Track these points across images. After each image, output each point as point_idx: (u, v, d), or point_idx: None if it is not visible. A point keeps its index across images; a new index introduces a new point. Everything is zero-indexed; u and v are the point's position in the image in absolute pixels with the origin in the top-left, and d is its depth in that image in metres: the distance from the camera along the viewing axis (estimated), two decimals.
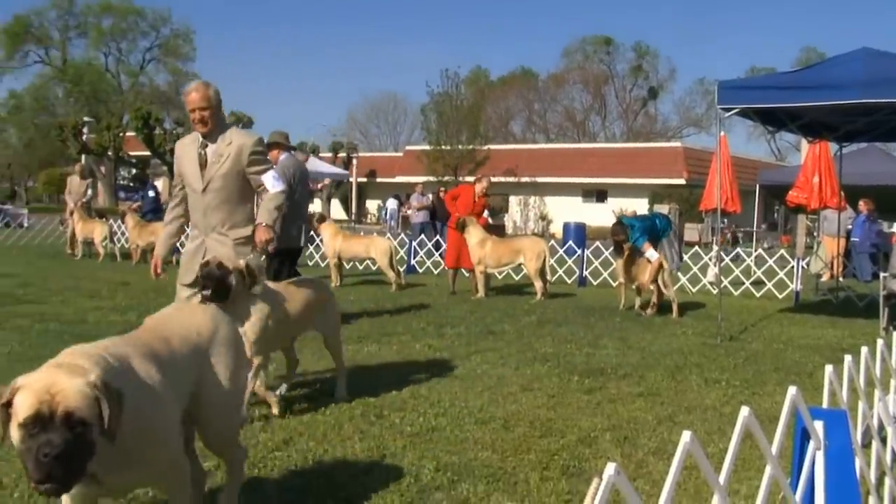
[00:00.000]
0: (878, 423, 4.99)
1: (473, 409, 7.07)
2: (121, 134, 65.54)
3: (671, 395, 7.87)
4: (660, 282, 13.79)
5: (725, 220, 32.08)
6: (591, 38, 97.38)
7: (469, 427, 6.56)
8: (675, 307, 13.87)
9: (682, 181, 53.59)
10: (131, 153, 69.12)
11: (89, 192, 23.97)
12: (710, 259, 19.03)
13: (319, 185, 19.63)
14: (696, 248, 21.12)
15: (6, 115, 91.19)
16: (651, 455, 6.02)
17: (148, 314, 11.42)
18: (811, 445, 3.40)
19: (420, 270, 21.09)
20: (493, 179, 18.29)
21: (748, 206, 28.53)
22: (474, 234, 16.06)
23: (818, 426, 3.40)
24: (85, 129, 68.53)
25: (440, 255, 21.50)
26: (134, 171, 68.28)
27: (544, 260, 15.76)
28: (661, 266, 13.80)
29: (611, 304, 14.93)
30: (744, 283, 18.16)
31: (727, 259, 18.35)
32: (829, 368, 4.11)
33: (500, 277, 17.77)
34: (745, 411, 2.94)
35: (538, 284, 15.63)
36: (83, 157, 62.75)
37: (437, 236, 24.29)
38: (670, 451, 6.02)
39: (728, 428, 6.68)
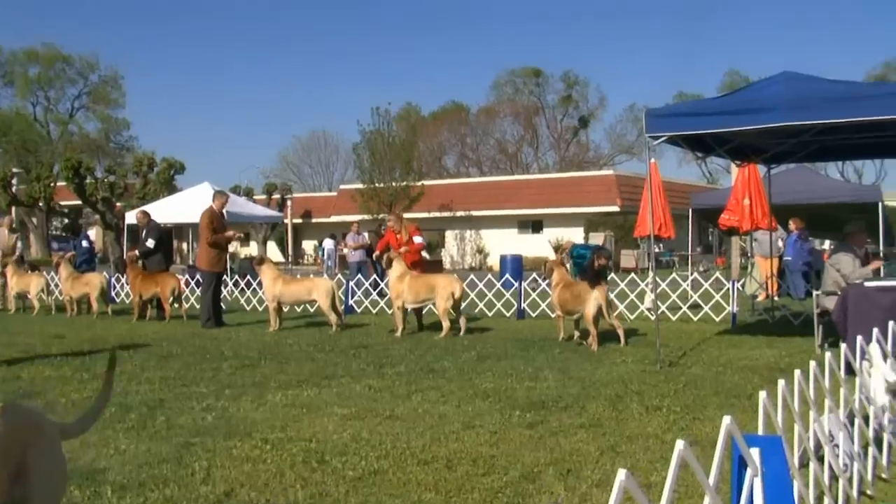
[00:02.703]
0: (815, 443, 5.03)
1: (416, 450, 7.03)
2: (51, 184, 64.83)
3: (613, 425, 7.89)
4: (603, 312, 13.75)
5: (660, 246, 32.40)
6: (519, 70, 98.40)
7: (412, 468, 6.52)
8: (621, 335, 13.86)
9: (616, 208, 54.10)
10: (63, 203, 68.45)
11: (19, 244, 23.66)
12: (646, 285, 19.16)
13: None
14: (633, 274, 21.18)
15: None
16: (595, 487, 6.00)
17: (84, 368, 11.31)
18: (749, 472, 3.42)
19: (358, 310, 21.03)
20: (428, 215, 18.34)
21: (682, 231, 28.81)
22: (396, 269, 16.15)
23: (754, 453, 3.43)
24: (14, 181, 67.68)
25: (378, 293, 21.47)
26: (66, 220, 67.60)
27: (459, 298, 15.77)
28: (605, 297, 13.80)
29: (550, 336, 14.98)
30: (681, 308, 18.32)
31: (663, 285, 18.47)
32: (762, 395, 4.16)
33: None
34: (680, 444, 2.95)
35: (445, 324, 15.54)
36: (13, 209, 61.98)
37: (375, 275, 24.25)
38: (612, 483, 6.03)
39: (670, 455, 6.66)
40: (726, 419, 3.31)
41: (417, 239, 17.17)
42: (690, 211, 28.57)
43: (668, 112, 12.80)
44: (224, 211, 18.87)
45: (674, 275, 20.17)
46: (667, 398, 9.13)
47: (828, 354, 5.36)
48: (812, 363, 5.23)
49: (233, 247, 21.66)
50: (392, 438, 7.44)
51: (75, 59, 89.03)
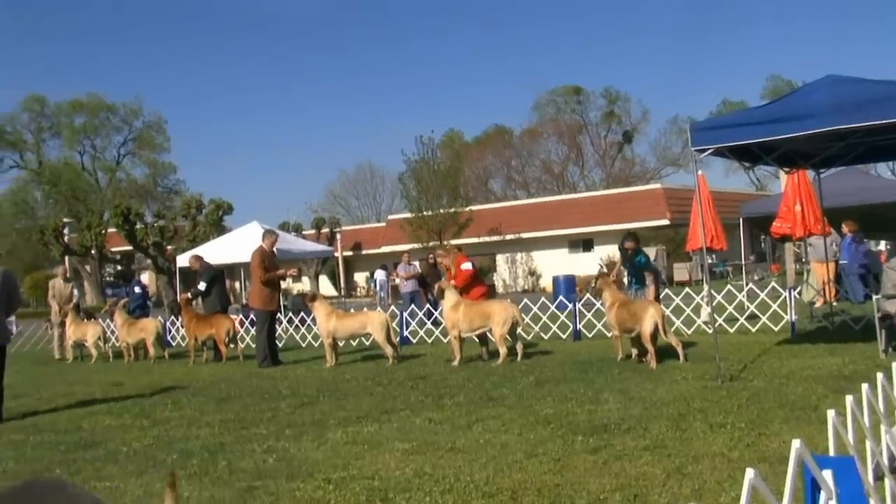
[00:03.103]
0: (888, 456, 4.92)
1: (479, 483, 6.96)
2: (102, 231, 65.64)
3: (677, 446, 7.77)
4: (660, 329, 13.60)
5: (713, 257, 32.14)
6: (560, 89, 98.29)
7: (476, 502, 6.45)
8: (680, 351, 13.70)
9: (665, 222, 53.80)
10: (114, 249, 69.15)
11: (75, 293, 23.88)
12: (701, 298, 18.96)
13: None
14: (687, 287, 20.99)
15: None
16: None
17: (143, 415, 11.37)
18: (822, 496, 3.33)
19: (413, 341, 20.99)
20: (478, 240, 18.28)
21: (734, 240, 28.54)
22: (449, 299, 16.10)
23: (827, 475, 3.34)
24: (66, 230, 68.63)
25: (432, 323, 21.41)
26: (118, 267, 68.20)
27: (514, 324, 15.65)
28: (661, 314, 13.65)
29: (608, 356, 14.85)
30: (738, 320, 18.11)
31: (719, 297, 18.27)
32: (830, 413, 4.05)
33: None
34: (750, 473, 2.87)
35: (502, 350, 15.41)
36: (66, 258, 62.71)
37: (429, 304, 24.20)
38: None
39: (738, 474, 6.58)
40: (796, 443, 3.22)
41: (465, 266, 17.09)
42: (741, 220, 28.30)
43: (712, 124, 12.70)
44: (274, 249, 18.91)
45: (728, 286, 19.96)
46: (730, 414, 8.99)
47: (895, 364, 5.25)
48: (879, 375, 5.11)
49: (285, 284, 21.68)
50: (455, 472, 7.37)
51: (119, 106, 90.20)
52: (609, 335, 15.72)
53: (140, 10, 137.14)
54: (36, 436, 10.75)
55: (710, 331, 14.74)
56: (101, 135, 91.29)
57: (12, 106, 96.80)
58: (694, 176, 15.37)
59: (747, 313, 18.59)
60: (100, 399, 13.95)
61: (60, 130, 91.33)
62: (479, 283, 17.61)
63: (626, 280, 16.87)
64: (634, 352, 14.31)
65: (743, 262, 30.51)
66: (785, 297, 17.77)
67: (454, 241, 50.93)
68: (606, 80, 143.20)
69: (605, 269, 17.51)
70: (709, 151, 12.17)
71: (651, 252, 44.31)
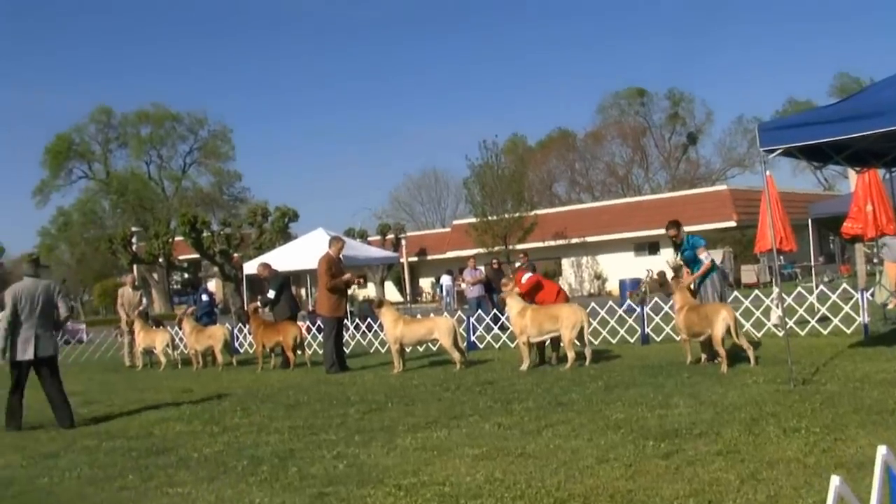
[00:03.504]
0: None
1: (551, 489, 6.91)
2: (169, 240, 66.37)
3: (751, 451, 7.65)
4: (732, 332, 13.43)
5: (782, 259, 31.70)
6: (623, 92, 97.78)
7: None
8: (751, 355, 13.52)
9: (732, 223, 53.30)
10: (181, 257, 69.91)
11: (144, 301, 24.13)
12: (772, 301, 18.71)
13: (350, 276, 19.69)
14: (756, 290, 20.71)
15: (56, 233, 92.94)
16: None
17: (213, 422, 11.47)
18: None
19: (481, 346, 20.95)
20: (543, 244, 18.22)
21: (803, 241, 28.20)
22: (513, 306, 16.07)
23: None
24: (134, 239, 69.51)
25: (499, 328, 21.35)
26: (185, 275, 69.02)
27: (582, 328, 15.55)
28: (733, 317, 13.47)
29: (677, 360, 14.71)
30: (809, 322, 17.85)
31: (789, 299, 18.02)
32: None
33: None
34: (835, 481, 2.80)
35: (570, 354, 15.34)
36: (134, 266, 63.50)
37: (494, 309, 24.15)
38: None
39: (815, 480, 6.48)
40: (882, 449, 3.13)
41: (524, 278, 17.10)
42: (809, 221, 27.97)
43: (781, 124, 12.52)
44: (341, 255, 18.97)
45: (799, 288, 19.67)
46: (804, 419, 8.84)
47: None
48: None
49: (351, 290, 21.75)
50: (526, 478, 7.32)
51: (184, 116, 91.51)
52: (678, 339, 15.56)
53: (205, 19, 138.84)
54: (108, 441, 10.88)
55: (781, 333, 14.54)
56: (167, 144, 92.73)
57: (80, 118, 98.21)
58: (762, 177, 15.17)
59: (818, 315, 18.30)
60: (170, 405, 14.10)
61: (127, 141, 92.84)
62: (550, 285, 17.52)
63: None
64: (703, 356, 14.17)
65: (812, 263, 30.10)
66: (857, 298, 17.48)
67: (520, 246, 50.90)
68: (670, 82, 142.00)
69: (655, 275, 17.22)
70: (778, 152, 12.01)
71: (717, 254, 43.95)
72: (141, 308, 23.71)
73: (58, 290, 13.21)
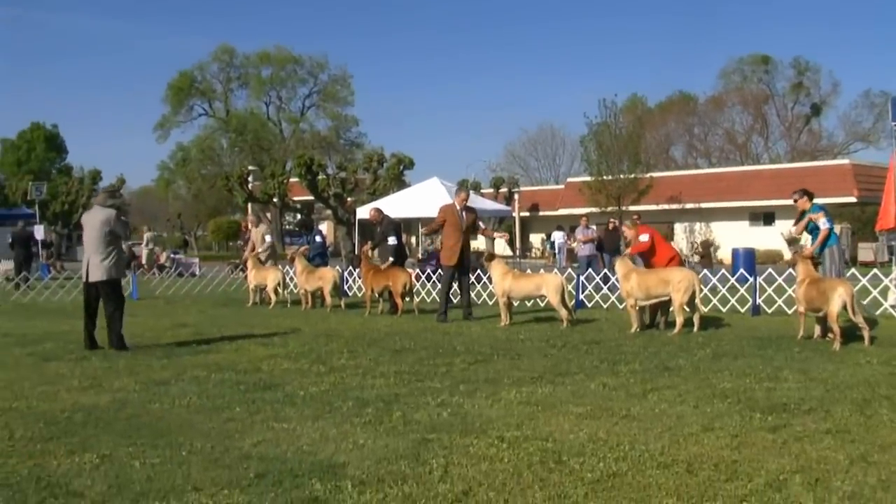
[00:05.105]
0: None
1: (654, 452, 6.87)
2: (285, 181, 67.13)
3: (861, 432, 7.51)
4: (848, 309, 13.11)
5: None
6: (748, 58, 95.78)
7: (651, 472, 6.37)
8: (866, 336, 13.17)
9: (852, 199, 52.13)
10: (295, 198, 70.68)
11: (267, 238, 24.34)
12: (890, 281, 18.27)
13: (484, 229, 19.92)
14: (875, 269, 20.18)
15: (175, 168, 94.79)
16: (847, 500, 5.70)
17: (320, 361, 11.62)
18: None
19: (589, 305, 20.85)
20: (657, 207, 17.97)
21: None
22: (620, 268, 16.01)
23: None
24: (250, 178, 70.51)
25: (608, 288, 21.22)
26: (299, 216, 69.87)
27: (693, 292, 15.31)
28: (851, 294, 13.15)
29: (788, 334, 14.44)
30: None
31: None
32: None
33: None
34: None
35: (680, 319, 15.14)
36: (249, 204, 64.44)
37: (605, 269, 23.99)
38: (867, 496, 5.75)
39: None
40: None
41: (643, 237, 16.82)
42: None
43: None
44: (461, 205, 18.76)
45: None
46: None
47: None
48: None
49: (500, 237, 21.82)
50: (630, 439, 7.30)
51: (305, 59, 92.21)
52: (790, 312, 15.27)
53: None
54: (217, 374, 11.10)
55: None
56: (287, 87, 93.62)
57: (204, 56, 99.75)
58: (887, 153, 14.82)
59: None
60: (278, 343, 14.31)
61: (248, 81, 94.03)
62: (665, 249, 17.24)
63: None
64: (817, 331, 13.90)
65: None
66: None
67: (633, 208, 50.41)
68: (796, 50, 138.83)
69: (792, 243, 16.84)
70: None
71: (835, 229, 42.98)
72: (264, 246, 23.96)
73: (116, 218, 13.87)
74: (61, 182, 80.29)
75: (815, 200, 15.71)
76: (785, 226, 20.51)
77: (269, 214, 73.10)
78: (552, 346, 13.44)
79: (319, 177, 61.73)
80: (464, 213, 18.16)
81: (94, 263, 13.60)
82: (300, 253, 22.46)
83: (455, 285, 18.56)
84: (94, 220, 13.72)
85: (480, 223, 19.70)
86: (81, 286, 14.31)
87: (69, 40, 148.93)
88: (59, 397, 9.64)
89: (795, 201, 15.66)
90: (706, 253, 25.06)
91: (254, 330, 16.36)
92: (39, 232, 40.51)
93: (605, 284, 21.86)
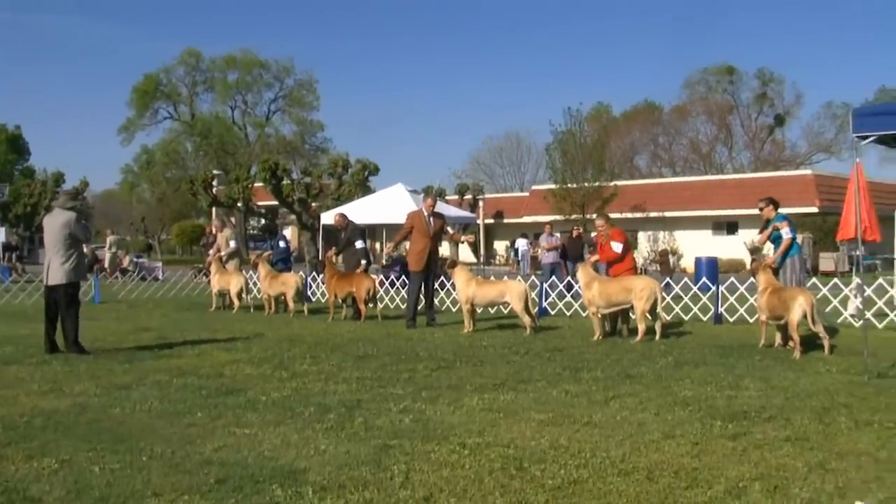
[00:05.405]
0: None
1: (615, 459, 6.90)
2: (249, 185, 66.91)
3: (820, 440, 7.57)
4: (808, 319, 13.19)
5: (863, 249, 31.18)
6: (712, 69, 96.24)
7: (612, 479, 6.39)
8: (826, 345, 13.27)
9: (814, 209, 52.51)
10: (260, 203, 70.47)
11: (231, 244, 24.27)
12: (850, 291, 18.41)
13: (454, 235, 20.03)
14: (835, 278, 20.33)
15: (139, 171, 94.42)
16: None
17: (282, 367, 11.59)
18: None
19: (552, 312, 20.89)
20: (621, 216, 17.97)
21: (887, 232, 27.70)
22: (582, 276, 16.01)
23: None
24: (214, 182, 70.21)
25: (572, 296, 21.26)
26: (263, 220, 69.72)
27: (655, 300, 15.33)
28: (811, 303, 13.23)
29: (749, 342, 14.55)
30: (888, 315, 17.55)
31: (869, 290, 17.69)
32: None
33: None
34: None
35: (641, 327, 15.18)
36: (214, 209, 64.21)
37: (569, 277, 24.05)
38: (824, 502, 5.80)
39: (886, 475, 6.42)
40: None
41: (615, 246, 16.78)
42: None
43: (877, 110, 12.27)
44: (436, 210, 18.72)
45: (880, 279, 19.33)
46: (878, 412, 8.70)
47: None
48: None
49: (462, 241, 21.89)
50: (591, 446, 7.32)
51: (272, 64, 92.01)
52: (751, 321, 15.35)
53: None
54: (179, 378, 11.04)
55: (858, 324, 14.30)
56: (253, 91, 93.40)
57: (169, 59, 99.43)
58: (848, 164, 14.99)
59: None
60: (241, 348, 14.26)
61: (214, 85, 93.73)
62: (630, 258, 17.27)
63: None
64: (778, 340, 13.99)
65: (895, 255, 29.56)
66: None
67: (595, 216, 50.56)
68: (760, 61, 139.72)
69: (754, 252, 16.97)
70: (871, 138, 11.79)
71: (797, 240, 43.29)
72: (226, 250, 23.90)
73: (76, 220, 13.80)
74: (23, 184, 79.83)
75: (781, 210, 15.80)
76: (748, 235, 20.65)
77: (233, 219, 72.94)
78: (515, 353, 13.46)
79: (284, 182, 61.61)
80: (431, 219, 18.18)
81: (54, 266, 13.55)
82: (263, 258, 22.42)
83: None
84: (54, 223, 13.66)
85: (449, 228, 19.76)
86: (42, 289, 14.18)
87: (33, 40, 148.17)
88: (19, 401, 9.56)
89: (761, 210, 15.74)
90: (664, 261, 25.11)
91: (217, 335, 16.30)
92: (0, 234, 40.20)
93: (569, 292, 21.90)
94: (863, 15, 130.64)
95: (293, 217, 65.54)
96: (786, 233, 15.15)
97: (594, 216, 17.65)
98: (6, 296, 25.53)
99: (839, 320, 17.62)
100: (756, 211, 16.10)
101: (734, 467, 6.68)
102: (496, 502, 5.90)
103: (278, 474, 6.49)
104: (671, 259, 37.88)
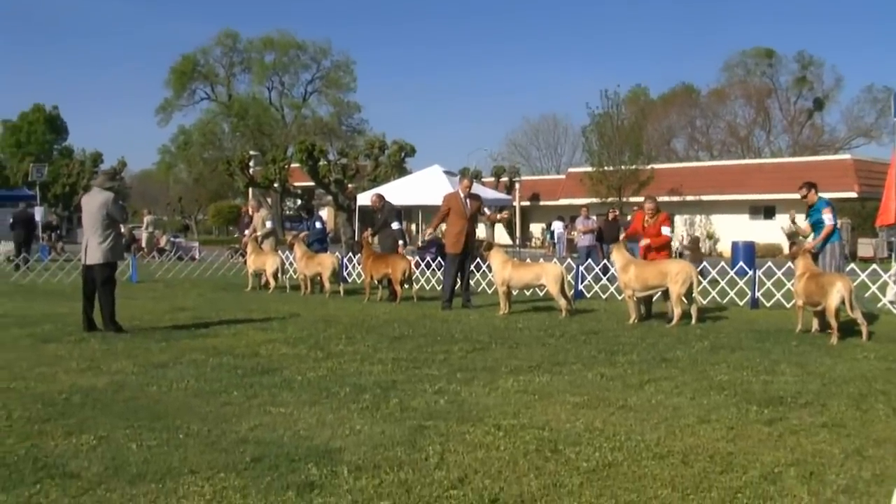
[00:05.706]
0: None
1: (650, 443, 6.89)
2: (286, 166, 67.02)
3: (857, 426, 7.52)
4: (846, 305, 13.09)
5: None
6: (751, 51, 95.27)
7: (646, 462, 6.39)
8: (864, 331, 13.11)
9: (853, 194, 52.01)
10: (296, 184, 70.59)
11: (268, 224, 24.32)
12: (889, 277, 18.25)
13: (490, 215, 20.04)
14: (874, 264, 20.13)
15: (176, 151, 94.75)
16: (841, 493, 5.71)
17: (318, 347, 11.63)
18: None
19: (588, 295, 20.86)
20: (658, 199, 17.79)
21: None
22: (618, 259, 15.92)
23: None
24: (251, 163, 70.39)
25: (608, 279, 21.20)
26: (299, 201, 69.85)
27: (691, 284, 15.28)
28: (849, 289, 13.13)
29: (786, 327, 14.46)
30: None
31: None
32: None
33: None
34: None
35: (677, 311, 15.08)
36: (250, 189, 64.40)
37: (605, 260, 23.97)
38: (861, 490, 5.77)
39: None
40: None
41: (665, 231, 16.68)
42: None
43: None
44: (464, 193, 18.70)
45: None
46: None
47: None
48: None
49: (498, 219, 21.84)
50: (626, 430, 7.31)
51: (309, 45, 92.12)
52: (788, 306, 15.26)
53: None
54: (215, 357, 11.12)
55: None
56: (290, 72, 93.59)
57: (207, 40, 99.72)
58: (889, 148, 14.83)
59: None
60: (276, 328, 14.34)
61: (251, 66, 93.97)
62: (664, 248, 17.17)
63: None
64: (815, 325, 13.90)
65: None
66: None
67: (633, 199, 50.37)
68: (800, 44, 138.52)
69: (792, 236, 16.85)
70: None
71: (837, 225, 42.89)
72: (263, 230, 23.96)
73: (114, 201, 13.96)
74: (62, 164, 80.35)
75: (819, 195, 15.70)
76: (784, 219, 20.50)
77: (269, 200, 73.18)
78: (550, 336, 13.45)
79: (321, 163, 61.63)
80: (468, 201, 18.17)
81: (92, 246, 13.67)
82: (299, 238, 22.45)
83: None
84: (92, 203, 13.78)
85: (486, 209, 19.76)
86: (80, 268, 14.31)
87: (71, 21, 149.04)
88: (58, 379, 9.67)
89: (804, 196, 15.64)
90: (695, 248, 24.97)
91: (252, 314, 16.38)
92: (39, 213, 40.57)
93: (605, 275, 21.83)
94: None
95: (329, 198, 65.59)
96: (828, 219, 15.07)
97: (643, 199, 17.45)
98: (45, 274, 25.77)
99: (878, 306, 17.47)
100: (794, 196, 15.98)
101: (769, 452, 6.66)
102: (531, 484, 5.90)
103: (314, 453, 6.53)
104: (703, 246, 37.69)
